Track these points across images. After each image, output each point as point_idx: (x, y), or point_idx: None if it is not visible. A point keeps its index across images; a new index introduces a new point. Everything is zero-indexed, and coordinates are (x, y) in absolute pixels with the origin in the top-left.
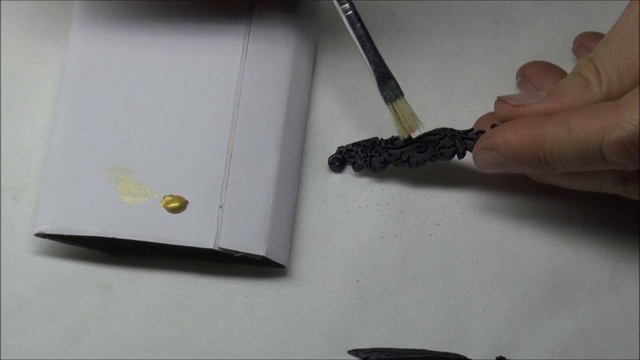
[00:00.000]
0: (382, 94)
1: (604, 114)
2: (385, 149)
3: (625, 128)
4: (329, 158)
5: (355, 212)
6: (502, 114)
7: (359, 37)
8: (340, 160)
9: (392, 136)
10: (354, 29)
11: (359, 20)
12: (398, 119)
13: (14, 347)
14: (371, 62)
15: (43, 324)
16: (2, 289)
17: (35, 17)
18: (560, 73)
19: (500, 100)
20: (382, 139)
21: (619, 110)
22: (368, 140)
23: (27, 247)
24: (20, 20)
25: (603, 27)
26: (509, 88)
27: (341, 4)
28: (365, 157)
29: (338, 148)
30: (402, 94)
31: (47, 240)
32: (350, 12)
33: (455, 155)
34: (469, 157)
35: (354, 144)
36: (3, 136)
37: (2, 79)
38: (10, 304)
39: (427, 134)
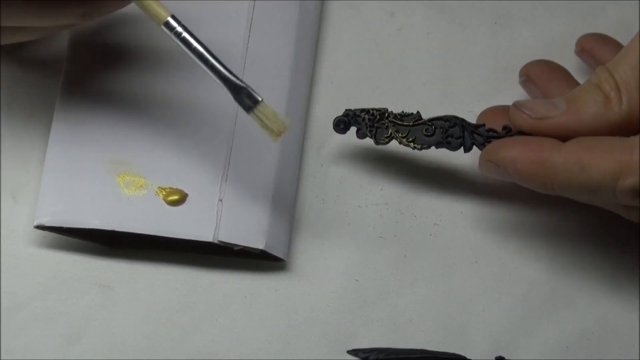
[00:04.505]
0: (240, 105)
1: (618, 155)
2: (393, 123)
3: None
4: (335, 119)
5: (354, 212)
6: (519, 125)
7: (199, 57)
8: (345, 123)
9: (403, 111)
10: (191, 50)
11: (196, 39)
12: (265, 124)
13: (14, 347)
14: (220, 78)
15: (43, 324)
16: (2, 289)
17: None
18: (564, 74)
19: (517, 108)
20: (391, 111)
21: (634, 154)
22: (377, 110)
23: (27, 247)
24: None
25: (603, 27)
26: (509, 88)
27: (171, 29)
28: (371, 127)
29: (345, 110)
30: (261, 99)
31: (47, 240)
32: (183, 34)
33: (462, 148)
34: (466, 155)
35: (362, 110)
36: (3, 136)
37: (2, 79)
38: (10, 304)
39: (438, 118)
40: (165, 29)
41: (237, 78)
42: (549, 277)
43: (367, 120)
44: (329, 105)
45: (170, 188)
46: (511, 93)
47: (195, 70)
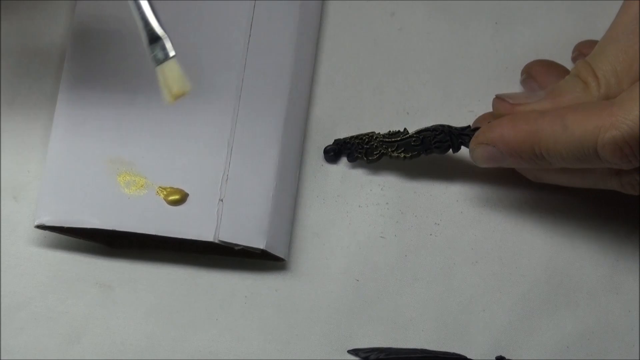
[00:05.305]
0: (151, 53)
1: (599, 112)
2: (382, 142)
3: (619, 128)
4: (325, 148)
5: (355, 212)
6: (500, 112)
7: None
8: (335, 151)
9: (390, 130)
10: None
11: None
12: (166, 82)
13: (14, 347)
14: (142, 19)
15: (43, 324)
16: (2, 289)
17: (36, 17)
18: (564, 72)
19: (498, 98)
20: (379, 132)
21: (613, 110)
22: (365, 134)
23: (27, 247)
24: (21, 20)
25: (603, 27)
26: (509, 88)
27: None
28: (361, 149)
29: (335, 140)
30: (174, 55)
31: (47, 240)
32: None
33: (450, 150)
34: (466, 155)
35: (351, 137)
36: (3, 136)
37: (2, 79)
38: (10, 303)
39: (424, 130)
40: None
41: (161, 27)
42: (549, 277)
43: (356, 145)
44: (330, 105)
45: (171, 188)
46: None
47: (195, 71)
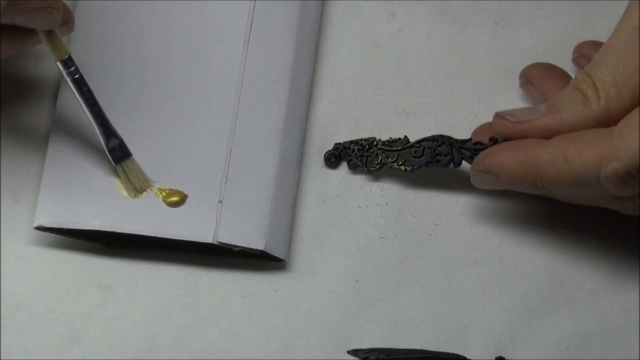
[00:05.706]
0: (110, 155)
1: (599, 143)
2: (382, 150)
3: (621, 159)
4: (325, 153)
5: (354, 212)
6: (502, 131)
7: (86, 101)
8: (336, 157)
9: (390, 138)
10: (81, 93)
11: (86, 84)
12: (128, 179)
13: (14, 347)
14: (99, 125)
15: (43, 324)
16: (2, 289)
17: None
18: (562, 75)
19: (499, 116)
20: (379, 139)
21: (613, 141)
22: (366, 140)
23: (27, 247)
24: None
25: (603, 27)
26: (509, 88)
27: (67, 67)
28: (361, 157)
29: (335, 144)
30: (130, 154)
31: (47, 240)
32: (77, 75)
33: (451, 164)
34: (464, 164)
35: (351, 142)
36: (3, 136)
37: (2, 79)
38: (10, 304)
39: (425, 139)
40: (60, 66)
41: (114, 129)
42: (549, 277)
43: (356, 151)
44: (330, 106)
45: (170, 189)
46: (511, 93)
47: (194, 72)
